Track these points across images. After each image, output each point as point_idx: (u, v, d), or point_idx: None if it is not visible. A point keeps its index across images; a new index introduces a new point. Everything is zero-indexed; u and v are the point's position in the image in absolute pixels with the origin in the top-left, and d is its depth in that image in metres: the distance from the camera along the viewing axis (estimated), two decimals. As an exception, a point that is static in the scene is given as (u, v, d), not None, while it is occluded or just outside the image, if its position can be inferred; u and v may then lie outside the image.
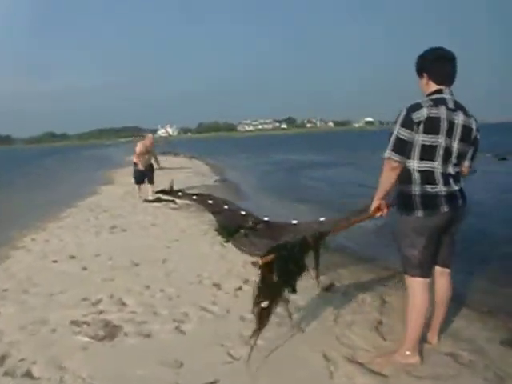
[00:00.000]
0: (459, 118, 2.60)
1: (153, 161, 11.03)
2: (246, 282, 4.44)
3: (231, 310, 3.75)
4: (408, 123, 2.55)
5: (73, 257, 5.56)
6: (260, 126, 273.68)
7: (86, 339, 3.28)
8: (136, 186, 10.86)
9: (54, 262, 5.39)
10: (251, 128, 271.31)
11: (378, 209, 2.85)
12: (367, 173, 16.91)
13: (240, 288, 4.28)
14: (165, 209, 9.12)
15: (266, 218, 7.17)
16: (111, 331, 3.41)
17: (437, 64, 2.68)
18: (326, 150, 35.39)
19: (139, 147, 10.56)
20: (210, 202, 9.76)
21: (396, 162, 2.59)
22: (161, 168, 11.51)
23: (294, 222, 6.29)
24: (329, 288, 4.17)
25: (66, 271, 5.02)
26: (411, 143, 2.57)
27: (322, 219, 5.67)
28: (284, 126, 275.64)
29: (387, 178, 2.67)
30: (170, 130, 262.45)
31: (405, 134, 2.56)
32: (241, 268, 4.91)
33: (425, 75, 2.73)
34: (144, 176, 10.68)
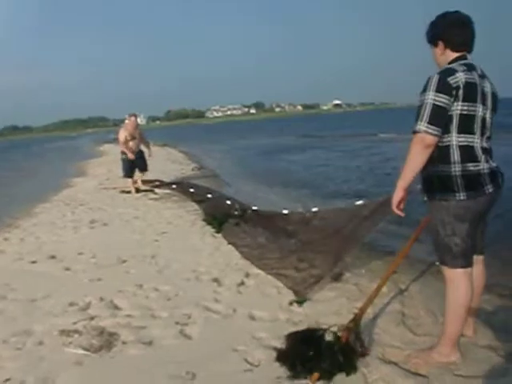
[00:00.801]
0: (488, 86, 2.34)
1: (142, 147, 9.67)
2: (247, 275, 4.13)
3: (237, 308, 3.42)
4: (445, 88, 2.19)
5: (53, 256, 5.10)
6: (229, 112, 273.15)
7: (80, 351, 2.91)
8: (129, 181, 9.42)
9: (33, 262, 4.93)
10: (220, 114, 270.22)
11: (402, 201, 2.41)
12: (341, 155, 17.16)
13: (242, 283, 3.96)
14: (145, 200, 8.66)
15: (254, 208, 6.82)
16: (107, 340, 3.04)
17: (453, 29, 2.36)
18: (297, 134, 35.43)
19: (121, 135, 9.10)
20: (192, 190, 9.36)
21: (432, 137, 2.21)
22: (150, 155, 9.84)
23: (285, 211, 5.91)
24: (338, 278, 3.90)
25: (46, 273, 4.58)
26: (449, 113, 2.23)
27: (315, 209, 5.25)
28: (253, 110, 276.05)
29: (419, 158, 2.26)
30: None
31: (443, 100, 2.19)
32: (239, 260, 4.58)
33: (440, 43, 2.42)
34: (134, 166, 9.32)
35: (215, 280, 4.05)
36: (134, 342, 2.98)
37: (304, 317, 3.18)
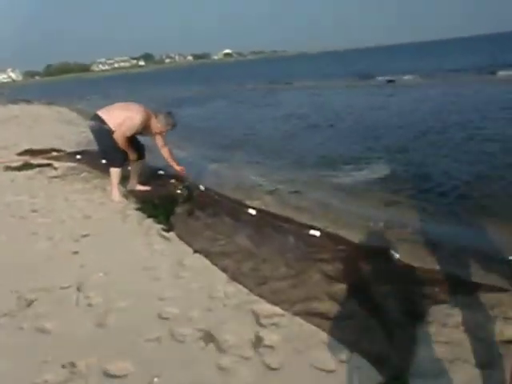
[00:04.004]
0: None
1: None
2: (257, 321, 2.45)
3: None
4: None
5: None
6: (116, 65, 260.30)
7: None
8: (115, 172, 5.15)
9: None
10: (107, 67, 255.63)
11: None
12: (243, 106, 15.93)
13: (259, 340, 2.28)
14: (42, 179, 6.36)
15: (201, 187, 5.13)
16: None
17: None
18: (192, 85, 35.16)
19: (136, 121, 4.92)
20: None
21: None
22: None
23: (253, 212, 4.25)
24: (411, 312, 2.39)
25: None
26: None
27: (317, 234, 3.60)
28: (142, 63, 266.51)
29: None
30: (13, 75, 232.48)
31: None
32: (225, 285, 2.88)
33: None
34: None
35: (208, 338, 2.32)
36: None
37: None
